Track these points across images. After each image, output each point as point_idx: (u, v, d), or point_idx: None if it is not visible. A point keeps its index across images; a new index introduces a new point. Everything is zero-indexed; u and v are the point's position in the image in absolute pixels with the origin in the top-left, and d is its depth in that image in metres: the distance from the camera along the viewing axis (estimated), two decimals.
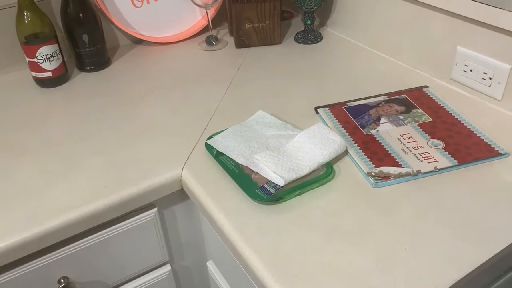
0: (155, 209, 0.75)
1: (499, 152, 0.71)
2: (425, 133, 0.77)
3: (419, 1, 0.89)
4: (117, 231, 0.73)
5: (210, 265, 0.86)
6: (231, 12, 1.07)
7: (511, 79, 0.78)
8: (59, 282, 0.70)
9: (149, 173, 0.72)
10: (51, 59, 0.94)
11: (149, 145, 0.78)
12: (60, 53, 0.96)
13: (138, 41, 1.15)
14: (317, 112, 0.85)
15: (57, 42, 0.95)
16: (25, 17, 0.90)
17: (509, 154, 0.71)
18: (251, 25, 1.06)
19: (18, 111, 0.90)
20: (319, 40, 1.11)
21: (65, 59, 1.01)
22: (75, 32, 0.97)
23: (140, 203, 0.71)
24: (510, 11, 0.73)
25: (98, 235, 0.71)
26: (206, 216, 0.67)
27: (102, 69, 1.03)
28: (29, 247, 0.64)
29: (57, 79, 0.97)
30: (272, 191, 0.65)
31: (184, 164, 0.74)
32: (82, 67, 1.02)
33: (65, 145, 0.80)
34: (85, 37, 0.97)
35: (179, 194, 0.77)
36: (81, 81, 0.99)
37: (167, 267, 0.83)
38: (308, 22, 1.09)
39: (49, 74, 0.95)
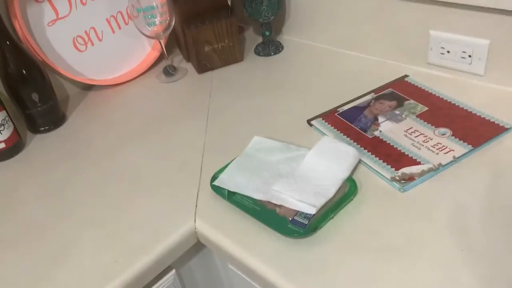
0: (173, 271, 0.67)
1: (504, 127, 0.71)
2: (427, 123, 0.75)
3: None
4: None
5: None
6: (185, 38, 1.01)
7: (491, 53, 0.79)
8: None
9: (159, 235, 0.64)
10: (1, 128, 0.82)
11: (146, 203, 0.70)
12: (10, 120, 0.84)
13: (88, 87, 1.05)
14: (310, 125, 0.80)
15: (5, 108, 0.83)
16: None
17: None
18: (211, 47, 1.00)
19: None
20: (280, 49, 1.07)
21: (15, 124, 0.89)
22: (22, 93, 0.85)
23: (158, 270, 0.63)
24: None
25: None
26: (240, 267, 0.60)
27: (59, 126, 0.92)
28: None
29: (13, 149, 0.85)
30: (305, 222, 0.59)
31: (195, 214, 0.66)
32: (35, 130, 0.91)
33: (50, 225, 0.69)
34: (35, 96, 0.86)
35: (192, 248, 0.69)
36: (40, 145, 0.88)
37: None
38: (267, 33, 1.05)
39: (2, 145, 0.83)
